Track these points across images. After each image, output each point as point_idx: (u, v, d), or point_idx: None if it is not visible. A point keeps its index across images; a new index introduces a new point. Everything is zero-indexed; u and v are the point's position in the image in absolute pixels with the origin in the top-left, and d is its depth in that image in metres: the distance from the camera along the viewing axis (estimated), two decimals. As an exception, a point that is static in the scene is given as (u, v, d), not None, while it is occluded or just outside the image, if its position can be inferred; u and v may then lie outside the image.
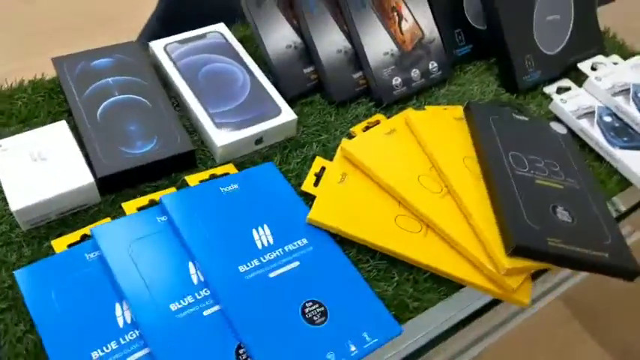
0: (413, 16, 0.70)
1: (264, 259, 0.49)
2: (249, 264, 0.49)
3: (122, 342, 0.44)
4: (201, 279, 0.48)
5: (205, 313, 0.46)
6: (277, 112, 0.61)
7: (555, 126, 0.66)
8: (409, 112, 0.63)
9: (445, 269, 0.51)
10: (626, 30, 0.89)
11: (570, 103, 0.71)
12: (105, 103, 0.58)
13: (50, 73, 0.63)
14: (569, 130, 0.68)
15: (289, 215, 0.54)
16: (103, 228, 0.49)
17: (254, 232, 0.51)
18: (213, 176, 0.57)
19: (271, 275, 0.48)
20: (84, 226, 0.52)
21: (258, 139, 0.60)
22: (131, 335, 0.44)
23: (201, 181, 0.56)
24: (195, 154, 0.59)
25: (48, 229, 0.52)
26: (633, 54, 0.83)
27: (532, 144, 0.61)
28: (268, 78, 0.65)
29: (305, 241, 0.52)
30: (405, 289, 0.51)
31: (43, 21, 1.76)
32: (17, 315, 0.46)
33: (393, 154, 0.58)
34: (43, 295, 0.46)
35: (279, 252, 0.50)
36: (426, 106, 0.67)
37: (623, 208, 0.66)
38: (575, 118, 0.69)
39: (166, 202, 0.51)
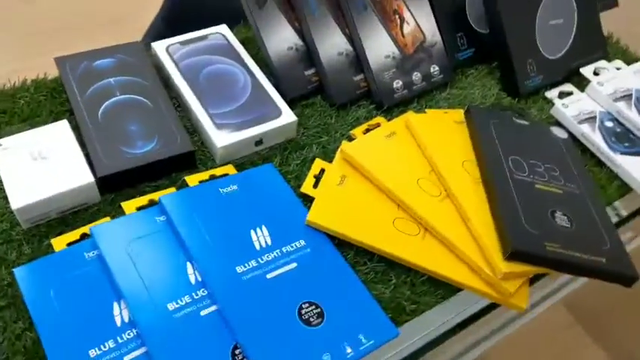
0: (415, 20, 0.70)
1: (262, 259, 0.50)
2: (246, 265, 0.49)
3: (119, 341, 0.44)
4: (199, 279, 0.48)
5: (202, 313, 0.46)
6: (278, 113, 0.61)
7: (556, 130, 0.66)
8: (409, 115, 0.63)
9: (443, 272, 0.51)
10: (629, 35, 0.89)
11: (572, 107, 0.71)
12: (106, 102, 0.59)
13: (53, 72, 0.64)
14: (570, 134, 0.68)
15: (288, 217, 0.54)
16: (102, 227, 0.49)
17: (252, 233, 0.51)
18: (212, 177, 0.57)
19: (269, 276, 0.49)
20: (84, 225, 0.52)
21: (258, 141, 0.60)
22: (128, 334, 0.45)
23: (200, 182, 0.56)
24: (196, 155, 0.59)
25: (48, 227, 0.52)
26: (637, 59, 0.83)
27: (532, 148, 0.61)
28: (269, 80, 0.65)
29: (303, 242, 0.52)
30: (402, 292, 0.52)
31: (48, 21, 1.77)
32: (16, 312, 0.47)
33: (393, 157, 0.59)
34: (42, 292, 0.46)
35: (276, 253, 0.50)
36: (426, 110, 0.68)
37: (624, 213, 0.66)
38: (576, 122, 0.69)
39: (165, 202, 0.51)
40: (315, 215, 0.53)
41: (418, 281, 0.53)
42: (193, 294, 0.47)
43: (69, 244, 0.50)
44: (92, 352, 0.43)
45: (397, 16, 0.69)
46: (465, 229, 0.53)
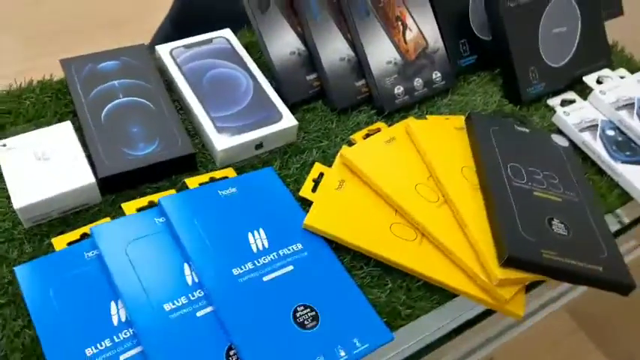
0: (417, 26, 0.70)
1: (259, 262, 0.50)
2: (243, 267, 0.49)
3: (116, 340, 0.45)
4: (196, 280, 0.48)
5: (198, 314, 0.46)
6: (278, 117, 0.62)
7: (557, 138, 0.66)
8: (410, 121, 0.63)
9: (439, 278, 0.52)
10: (634, 44, 0.89)
11: (573, 115, 0.71)
12: (109, 105, 0.60)
13: (59, 73, 0.65)
14: (571, 142, 0.68)
15: (286, 220, 0.54)
16: (101, 227, 0.50)
17: (250, 235, 0.52)
18: (212, 179, 0.57)
19: (265, 279, 0.49)
20: (84, 225, 0.52)
21: (259, 144, 0.61)
22: (125, 333, 0.45)
23: (200, 184, 0.57)
24: (197, 157, 0.60)
25: (49, 226, 0.53)
26: (641, 68, 0.83)
27: (532, 156, 0.61)
28: (271, 84, 0.66)
29: (300, 246, 0.52)
30: (397, 297, 0.52)
31: (54, 23, 1.79)
32: (16, 310, 0.47)
33: (392, 163, 0.59)
34: (42, 291, 0.47)
35: (273, 256, 0.51)
36: (427, 116, 0.68)
37: (627, 220, 0.66)
38: (577, 130, 0.69)
39: (165, 203, 0.52)
40: (312, 219, 0.53)
41: (414, 286, 0.53)
42: (190, 295, 0.47)
43: (69, 244, 0.51)
44: (89, 351, 0.44)
45: (400, 23, 0.69)
46: (461, 235, 0.53)
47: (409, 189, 0.56)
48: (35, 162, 0.54)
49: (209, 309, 0.47)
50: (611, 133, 0.69)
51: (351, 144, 0.63)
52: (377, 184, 0.56)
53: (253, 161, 0.62)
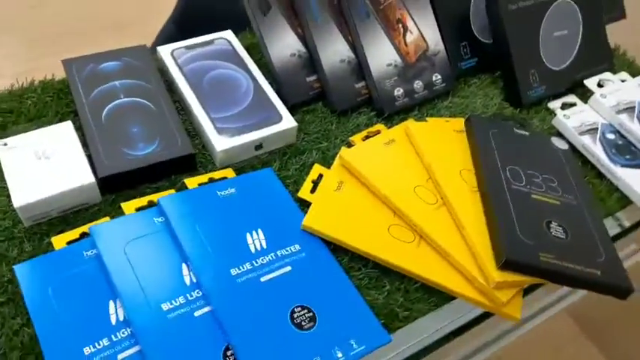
0: (418, 29, 0.71)
1: (257, 263, 0.50)
2: (241, 267, 0.49)
3: (114, 339, 0.45)
4: (194, 280, 0.48)
5: (196, 313, 0.47)
6: (278, 119, 0.62)
7: (556, 141, 0.66)
8: (409, 123, 0.63)
9: (436, 280, 0.52)
10: (636, 47, 0.89)
11: (574, 119, 0.71)
12: (110, 105, 0.60)
13: (61, 73, 0.65)
14: (571, 145, 0.68)
15: (284, 221, 0.54)
16: (100, 227, 0.50)
17: (248, 236, 0.52)
18: (211, 180, 0.58)
19: (263, 279, 0.49)
20: (84, 225, 0.53)
21: (258, 145, 0.61)
22: (123, 333, 0.45)
23: (200, 184, 0.57)
24: (196, 158, 0.60)
25: (49, 225, 0.53)
26: (642, 72, 0.83)
27: (531, 159, 0.61)
28: (272, 85, 0.66)
29: (298, 247, 0.52)
30: (395, 299, 0.52)
31: (56, 25, 1.80)
32: (15, 308, 0.48)
33: (391, 165, 0.59)
34: (41, 289, 0.47)
35: (271, 256, 0.51)
36: (427, 118, 0.68)
37: (627, 224, 0.66)
38: (577, 134, 0.69)
39: (164, 203, 0.52)
40: (310, 220, 0.53)
41: (412, 288, 0.53)
42: (188, 295, 0.48)
43: (69, 243, 0.51)
44: (87, 350, 0.44)
45: (400, 25, 0.69)
46: (459, 238, 0.53)
47: (408, 191, 0.56)
48: (36, 161, 0.54)
49: (207, 309, 0.47)
50: (611, 136, 0.69)
51: (350, 145, 0.64)
52: (375, 186, 0.56)
53: (253, 162, 0.62)
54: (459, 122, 0.66)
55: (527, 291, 0.54)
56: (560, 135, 0.70)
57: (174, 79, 0.64)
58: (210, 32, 0.70)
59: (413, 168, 0.59)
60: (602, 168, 0.67)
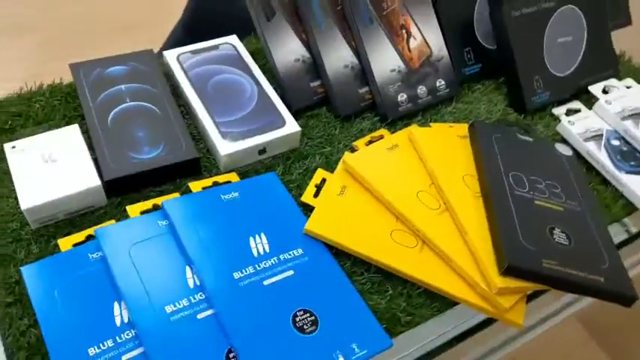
0: (422, 34, 0.71)
1: (259, 266, 0.50)
2: (244, 271, 0.50)
3: (118, 340, 0.45)
4: (197, 283, 0.49)
5: (199, 316, 0.47)
6: (282, 123, 0.62)
7: (560, 147, 0.66)
8: (412, 128, 0.64)
9: (439, 285, 0.52)
10: (642, 54, 0.89)
11: (578, 125, 0.71)
12: (116, 109, 0.61)
13: (69, 78, 0.66)
14: (576, 152, 0.68)
15: (287, 225, 0.55)
16: (106, 229, 0.51)
17: (251, 239, 0.52)
18: (215, 184, 0.58)
19: (265, 283, 0.50)
20: (90, 227, 0.53)
21: (262, 149, 0.61)
22: (127, 334, 0.46)
23: (204, 188, 0.57)
24: (201, 162, 0.60)
25: (56, 228, 0.54)
26: (648, 78, 0.82)
27: (534, 165, 0.61)
28: (276, 90, 0.66)
29: (301, 251, 0.53)
30: (397, 303, 0.52)
31: (69, 28, 1.82)
32: (22, 309, 0.48)
33: (394, 170, 0.59)
34: (47, 291, 0.47)
35: (274, 260, 0.51)
36: (431, 123, 0.68)
37: (634, 230, 0.65)
38: (582, 140, 0.69)
39: (168, 206, 0.53)
40: (313, 224, 0.54)
41: (414, 293, 0.53)
42: (191, 297, 0.48)
43: (75, 245, 0.51)
44: (91, 351, 0.44)
45: (404, 31, 0.70)
46: (462, 243, 0.53)
47: (411, 196, 0.57)
48: (43, 164, 0.55)
49: (210, 312, 0.47)
50: (615, 143, 0.69)
51: (353, 150, 0.64)
52: (378, 191, 0.57)
53: (257, 166, 0.62)
54: (463, 128, 0.66)
55: (532, 297, 0.54)
56: (564, 141, 0.70)
57: (180, 84, 0.65)
58: (220, 36, 0.71)
59: (416, 173, 0.60)
60: (607, 174, 0.66)
